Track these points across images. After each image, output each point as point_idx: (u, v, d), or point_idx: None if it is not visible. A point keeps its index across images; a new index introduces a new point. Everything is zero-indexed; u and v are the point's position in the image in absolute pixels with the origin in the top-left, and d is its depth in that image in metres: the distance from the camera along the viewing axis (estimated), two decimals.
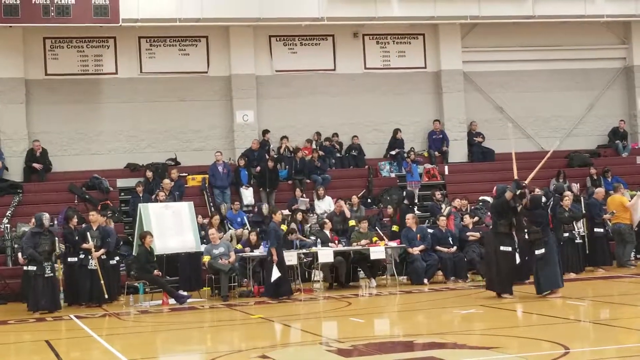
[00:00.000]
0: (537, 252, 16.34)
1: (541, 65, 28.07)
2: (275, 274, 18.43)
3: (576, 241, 20.83)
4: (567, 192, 21.99)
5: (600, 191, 22.85)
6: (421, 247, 20.35)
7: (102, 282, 18.48)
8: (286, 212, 22.48)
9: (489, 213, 24.04)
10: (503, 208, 16.75)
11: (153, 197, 22.17)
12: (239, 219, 22.70)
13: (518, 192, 16.72)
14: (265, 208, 22.60)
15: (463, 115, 27.43)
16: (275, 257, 18.44)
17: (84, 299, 18.70)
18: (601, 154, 27.73)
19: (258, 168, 24.53)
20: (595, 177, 25.67)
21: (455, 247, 20.66)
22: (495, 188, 17.70)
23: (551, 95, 28.08)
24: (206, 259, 19.12)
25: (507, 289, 16.63)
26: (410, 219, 20.63)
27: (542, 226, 16.46)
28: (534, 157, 27.26)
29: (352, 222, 21.26)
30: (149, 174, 23.92)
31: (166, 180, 23.07)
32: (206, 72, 26.10)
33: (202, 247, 19.75)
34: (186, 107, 25.89)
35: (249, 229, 21.48)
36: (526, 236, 16.62)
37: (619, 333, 12.00)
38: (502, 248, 16.57)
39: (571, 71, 28.24)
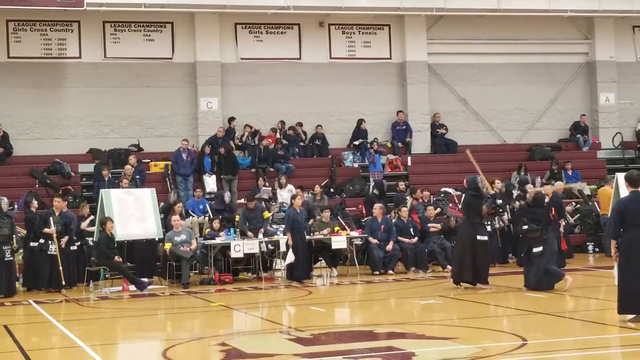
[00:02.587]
0: (534, 249, 16.10)
1: (505, 59, 28.24)
2: (290, 257, 18.91)
3: None
4: (529, 185, 22.12)
5: (559, 184, 23.01)
6: (414, 239, 20.67)
7: (60, 268, 18.38)
8: (242, 200, 22.45)
9: (450, 204, 24.28)
10: (476, 205, 16.78)
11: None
12: (201, 207, 22.64)
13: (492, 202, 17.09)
14: (227, 196, 22.54)
15: (427, 106, 27.54)
16: (290, 242, 18.90)
17: (42, 284, 18.59)
18: (562, 147, 27.96)
19: (222, 150, 24.43)
20: (555, 171, 25.88)
21: (416, 238, 20.76)
22: (465, 180, 17.65)
23: (514, 88, 28.27)
24: (167, 246, 19.06)
25: (483, 279, 16.65)
26: (377, 209, 20.69)
27: (542, 224, 16.18)
28: (496, 149, 27.66)
29: (266, 214, 20.89)
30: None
31: (127, 167, 22.92)
32: (171, 59, 25.98)
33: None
34: (150, 93, 25.76)
35: (211, 217, 21.48)
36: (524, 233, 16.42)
37: (577, 325, 12.14)
38: (478, 237, 16.50)
39: (535, 65, 28.44)
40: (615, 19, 28.56)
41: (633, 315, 11.72)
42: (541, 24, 28.01)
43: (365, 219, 22.30)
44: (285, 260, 19.35)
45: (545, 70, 28.54)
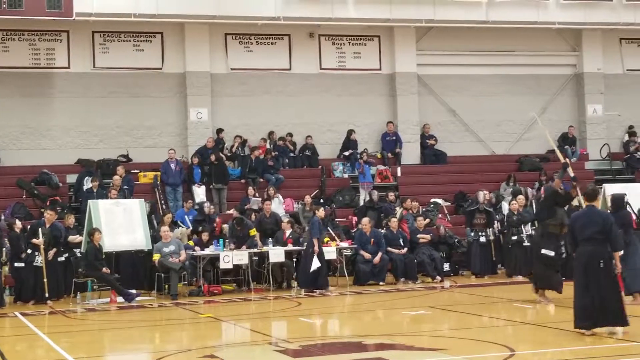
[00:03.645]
0: None
1: (494, 70, 28.32)
2: (316, 264, 19.04)
3: (524, 244, 21.03)
4: (520, 197, 22.23)
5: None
6: (404, 250, 20.69)
7: (45, 280, 18.31)
8: (231, 211, 22.40)
9: (440, 215, 24.31)
10: (553, 201, 16.13)
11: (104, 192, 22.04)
12: (191, 217, 22.59)
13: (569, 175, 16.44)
14: (207, 206, 22.44)
15: (416, 117, 27.57)
16: (317, 248, 19.06)
17: (27, 296, 18.50)
18: (550, 158, 27.97)
19: (213, 157, 24.40)
20: (544, 182, 25.87)
21: (405, 249, 20.76)
22: (543, 188, 17.23)
23: (503, 99, 28.33)
24: (156, 257, 19.02)
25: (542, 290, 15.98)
26: (366, 225, 20.62)
27: (625, 227, 15.43)
28: (485, 160, 27.74)
29: (253, 232, 20.62)
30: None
31: (116, 177, 22.86)
32: (160, 69, 25.95)
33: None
34: (139, 103, 25.70)
35: (190, 228, 21.47)
36: None
37: (564, 335, 12.13)
38: (543, 251, 15.90)
39: (523, 76, 28.52)
40: (603, 31, 28.68)
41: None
42: (529, 35, 28.10)
43: (355, 229, 22.31)
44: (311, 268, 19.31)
45: (534, 82, 28.63)
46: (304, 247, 19.76)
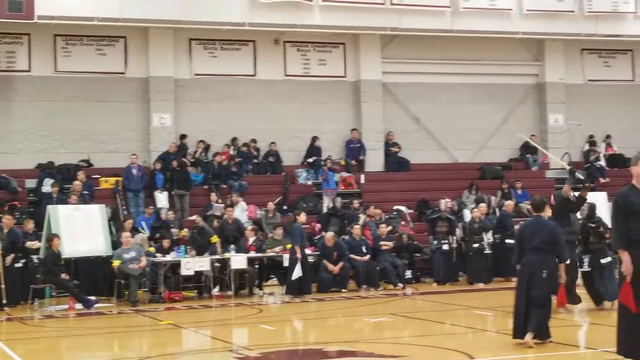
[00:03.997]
0: (602, 261, 15.63)
1: (458, 79, 28.44)
2: (298, 272, 18.93)
3: (485, 252, 21.13)
4: (482, 204, 22.34)
5: (509, 204, 23.26)
6: (366, 257, 20.69)
7: (2, 286, 18.08)
8: (193, 217, 22.28)
9: (402, 222, 24.35)
10: (565, 208, 15.81)
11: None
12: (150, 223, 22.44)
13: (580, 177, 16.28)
14: (164, 213, 22.30)
15: (380, 125, 27.62)
16: (299, 255, 18.94)
17: None
18: (513, 167, 28.19)
19: (175, 163, 24.27)
20: (506, 190, 26.04)
21: (368, 256, 20.76)
22: (552, 196, 16.43)
23: (467, 108, 28.44)
24: (116, 263, 18.86)
25: (571, 299, 15.48)
26: (329, 239, 20.53)
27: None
28: (448, 168, 27.87)
29: (214, 239, 20.46)
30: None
31: (76, 182, 22.64)
32: (123, 73, 25.76)
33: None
34: (101, 108, 25.46)
35: (147, 234, 21.35)
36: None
37: (522, 343, 12.16)
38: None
39: (486, 85, 28.67)
40: (565, 42, 28.92)
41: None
42: (493, 45, 28.26)
43: (318, 236, 22.29)
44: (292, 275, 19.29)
45: (497, 91, 28.79)
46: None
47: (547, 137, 28.94)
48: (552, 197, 15.99)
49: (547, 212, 12.63)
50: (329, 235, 20.62)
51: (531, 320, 11.63)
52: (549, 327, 11.80)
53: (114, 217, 21.71)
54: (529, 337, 11.63)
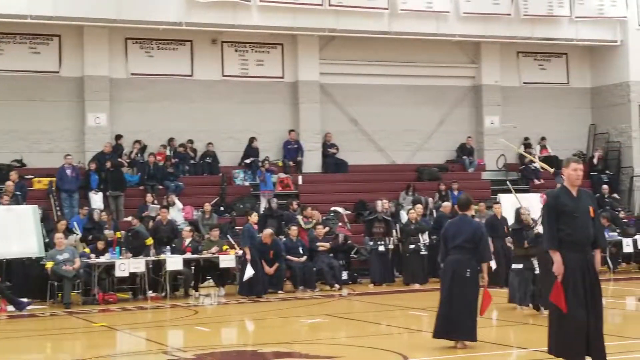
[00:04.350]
0: (513, 266, 16.02)
1: (395, 80, 28.59)
2: (249, 272, 18.95)
3: (421, 253, 21.27)
4: (418, 206, 22.47)
5: (447, 205, 23.40)
6: (303, 258, 20.70)
7: None
8: (128, 218, 22.08)
9: (340, 223, 24.39)
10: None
11: None
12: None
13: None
14: (96, 214, 22.05)
15: (318, 126, 27.64)
16: (248, 256, 18.97)
17: None
18: (449, 168, 28.42)
19: (109, 164, 24.01)
20: (444, 192, 26.24)
21: (304, 257, 20.76)
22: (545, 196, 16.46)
23: (404, 109, 28.61)
24: (49, 264, 18.59)
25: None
26: (267, 237, 20.48)
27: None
28: (385, 169, 28.00)
29: (149, 241, 20.24)
30: None
31: (8, 183, 22.26)
32: (58, 72, 25.42)
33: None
34: (35, 108, 25.10)
35: (80, 235, 21.12)
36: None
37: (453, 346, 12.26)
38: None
39: (424, 87, 28.86)
40: (501, 45, 29.24)
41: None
42: (430, 47, 28.47)
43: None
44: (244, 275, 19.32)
45: (434, 93, 29.00)
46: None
47: (483, 139, 29.22)
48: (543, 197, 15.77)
49: (472, 211, 12.47)
50: (267, 232, 20.53)
51: (458, 323, 11.60)
52: (476, 328, 11.74)
53: (44, 218, 21.36)
54: (459, 343, 11.68)
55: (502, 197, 23.23)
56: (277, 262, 20.12)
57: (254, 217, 20.00)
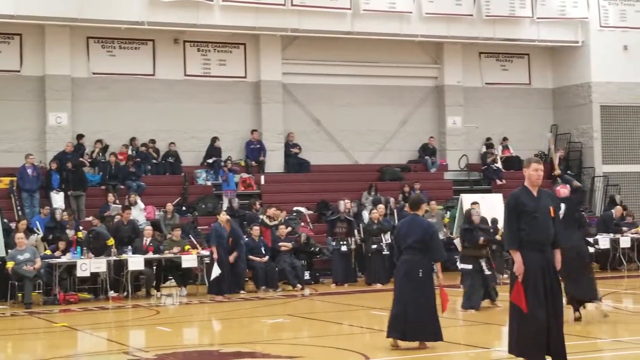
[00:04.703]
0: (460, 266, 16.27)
1: (358, 81, 28.65)
2: (216, 271, 19.04)
3: (383, 253, 21.34)
4: (380, 206, 22.54)
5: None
6: (265, 258, 20.58)
7: None
8: (89, 218, 21.93)
9: (302, 223, 24.42)
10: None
11: None
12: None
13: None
14: (58, 213, 21.89)
15: (281, 126, 27.64)
16: (215, 256, 19.04)
17: None
18: (411, 168, 28.53)
19: (70, 164, 23.86)
20: (407, 194, 26.26)
21: (267, 257, 20.76)
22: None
23: (366, 110, 28.68)
24: (10, 264, 18.44)
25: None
26: (224, 221, 20.44)
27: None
28: (348, 169, 28.07)
29: (110, 242, 20.08)
30: None
31: None
32: (19, 71, 25.21)
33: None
34: None
35: (41, 235, 20.98)
36: None
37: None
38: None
39: (386, 87, 28.94)
40: (463, 45, 29.40)
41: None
42: (393, 47, 28.55)
43: None
44: (211, 274, 19.35)
45: (397, 93, 29.10)
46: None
47: (445, 139, 29.37)
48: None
49: (423, 211, 12.28)
50: (223, 218, 20.31)
51: (416, 325, 11.54)
52: (437, 327, 11.70)
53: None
54: (419, 344, 11.68)
55: (463, 197, 23.36)
56: (236, 250, 19.96)
57: (222, 217, 20.00)
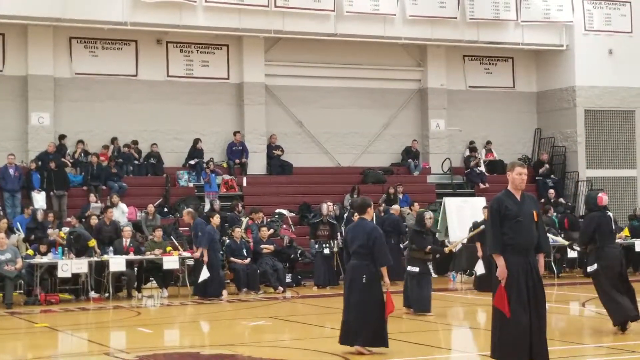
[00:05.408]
0: (408, 268, 15.79)
1: (341, 83, 28.63)
2: (205, 274, 19.01)
3: None
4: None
5: (396, 208, 23.57)
6: (247, 260, 20.54)
7: None
8: (69, 219, 21.83)
9: (284, 225, 24.38)
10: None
11: None
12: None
13: None
14: (40, 214, 21.75)
15: (263, 127, 27.60)
16: (205, 258, 19.05)
17: None
18: (394, 171, 28.53)
19: (53, 164, 23.75)
20: (392, 197, 26.27)
21: (248, 259, 20.70)
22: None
23: (349, 112, 28.68)
24: None
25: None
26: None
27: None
28: (330, 172, 28.04)
29: (91, 243, 19.94)
30: None
31: None
32: (1, 71, 25.09)
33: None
34: None
35: (22, 235, 20.85)
36: None
37: (398, 346, 12.32)
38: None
39: (370, 90, 28.94)
40: (447, 48, 29.43)
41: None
42: (376, 50, 28.55)
43: None
44: (200, 277, 19.29)
45: (380, 96, 29.11)
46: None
47: (429, 142, 29.38)
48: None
49: (370, 215, 11.93)
50: (216, 220, 20.38)
51: (360, 330, 11.38)
52: (386, 333, 11.50)
53: None
54: (359, 347, 11.46)
55: (446, 200, 23.40)
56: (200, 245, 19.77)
57: (216, 219, 20.08)
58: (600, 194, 13.84)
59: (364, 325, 11.40)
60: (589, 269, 13.53)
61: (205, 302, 18.85)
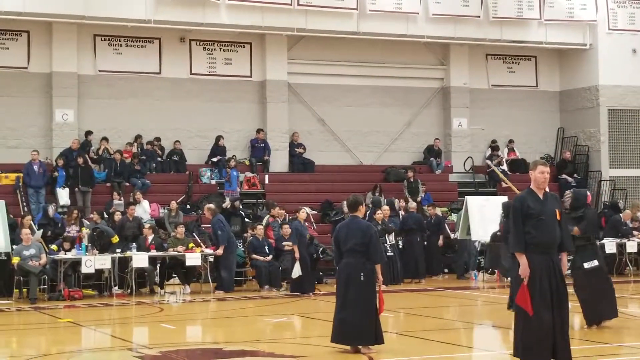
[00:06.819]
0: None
1: (364, 81, 28.63)
2: (297, 271, 19.21)
3: (388, 254, 21.29)
4: (385, 207, 22.52)
5: (414, 205, 23.57)
6: (269, 257, 20.66)
7: None
8: (93, 215, 21.96)
9: (306, 223, 24.35)
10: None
11: None
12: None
13: None
14: (51, 209, 21.85)
15: (286, 125, 27.65)
16: (297, 255, 19.31)
17: None
18: (416, 170, 28.48)
19: (80, 160, 23.92)
20: (413, 185, 26.21)
21: (270, 256, 20.76)
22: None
23: (372, 110, 28.69)
24: (15, 260, 18.49)
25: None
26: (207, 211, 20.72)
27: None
28: (352, 170, 28.07)
29: (115, 239, 20.16)
30: None
31: None
32: (26, 68, 25.27)
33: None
34: (3, 103, 24.97)
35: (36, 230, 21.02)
36: None
37: (419, 344, 12.35)
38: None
39: (392, 88, 28.92)
40: (470, 47, 29.37)
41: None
42: (399, 48, 28.54)
43: None
44: (292, 274, 19.56)
45: (402, 94, 29.09)
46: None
47: (451, 140, 29.35)
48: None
49: (362, 213, 11.96)
50: (302, 215, 20.89)
51: (360, 329, 11.36)
52: (378, 331, 11.51)
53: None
54: (364, 349, 11.47)
55: (468, 199, 23.36)
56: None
57: (302, 214, 20.33)
58: (589, 193, 13.83)
59: (364, 323, 11.40)
60: (587, 265, 13.35)
61: (227, 298, 18.91)
